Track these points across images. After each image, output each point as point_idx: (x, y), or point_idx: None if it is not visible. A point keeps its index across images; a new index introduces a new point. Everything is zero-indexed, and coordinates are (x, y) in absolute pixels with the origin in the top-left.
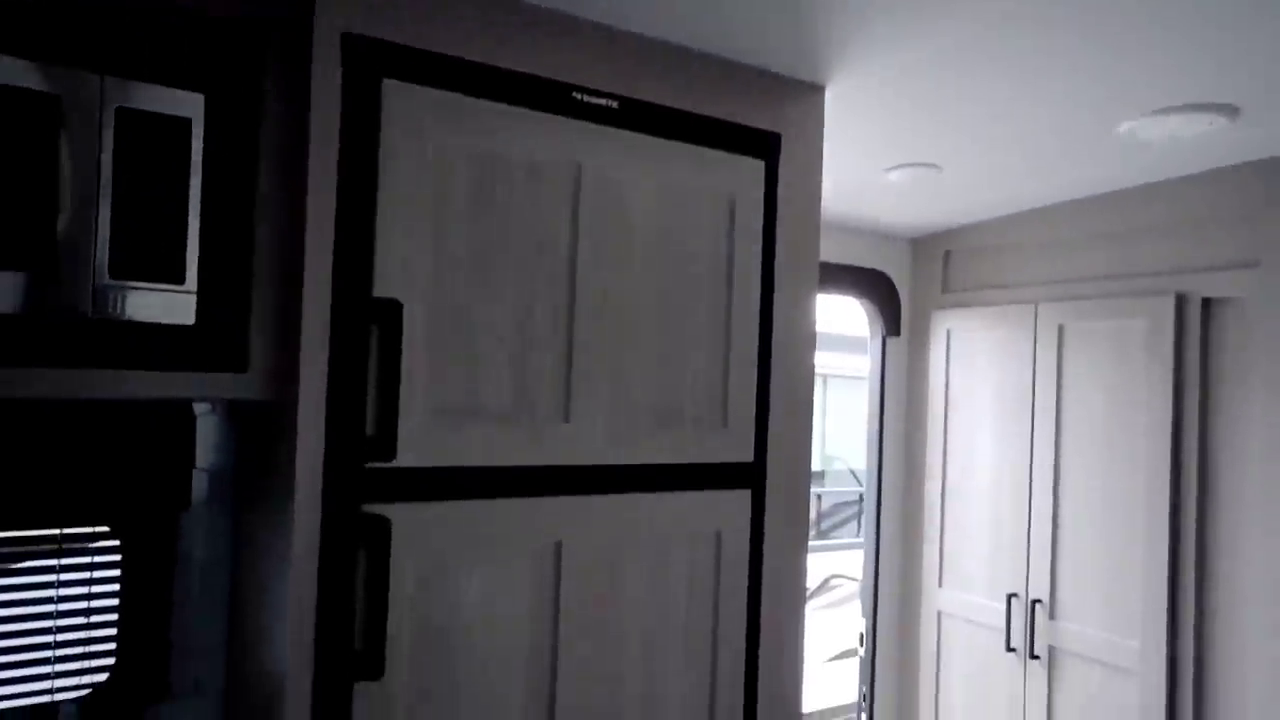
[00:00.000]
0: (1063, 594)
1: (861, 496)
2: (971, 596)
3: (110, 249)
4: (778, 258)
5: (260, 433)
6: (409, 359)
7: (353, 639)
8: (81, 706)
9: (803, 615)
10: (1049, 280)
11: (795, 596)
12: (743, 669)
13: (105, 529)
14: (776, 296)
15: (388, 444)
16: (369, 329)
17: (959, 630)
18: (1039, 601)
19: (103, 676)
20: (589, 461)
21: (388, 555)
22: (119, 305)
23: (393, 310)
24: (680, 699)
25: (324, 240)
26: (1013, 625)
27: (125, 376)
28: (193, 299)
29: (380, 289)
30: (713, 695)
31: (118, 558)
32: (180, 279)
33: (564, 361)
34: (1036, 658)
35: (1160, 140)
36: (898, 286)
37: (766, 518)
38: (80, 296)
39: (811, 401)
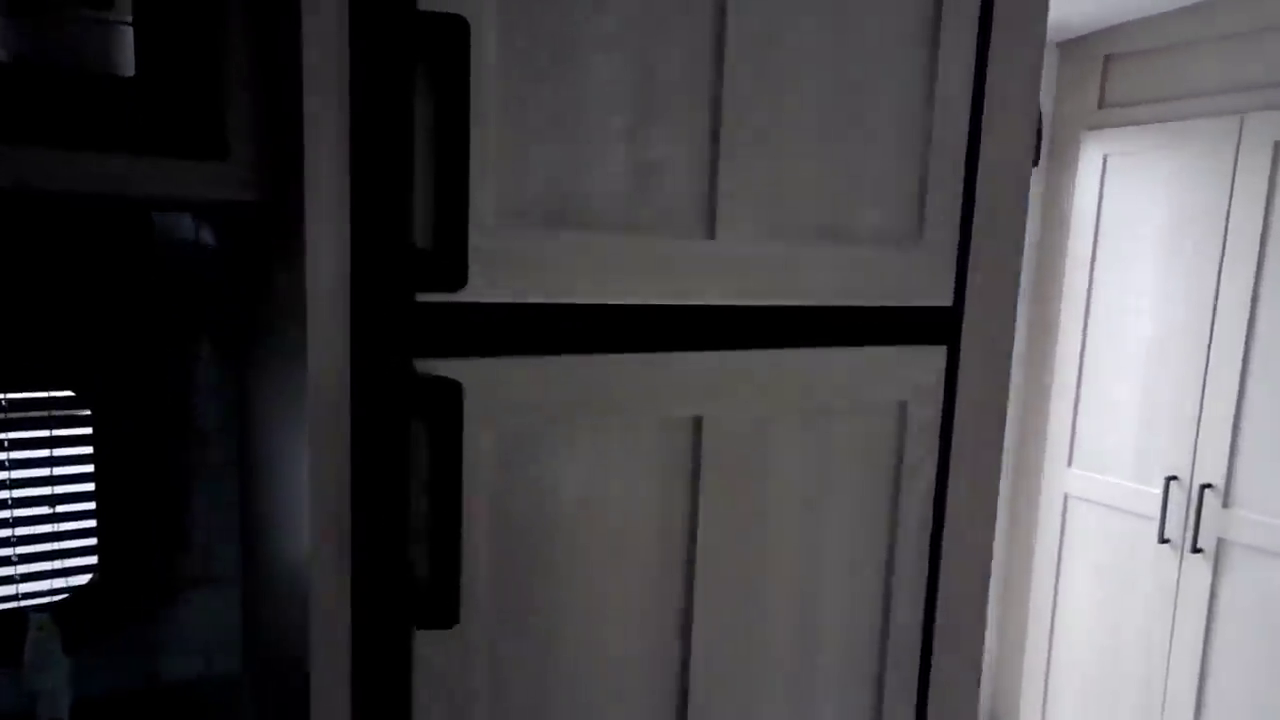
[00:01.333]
0: (1242, 478)
1: None
2: (1111, 478)
3: None
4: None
5: (260, 258)
6: (474, 128)
7: (409, 566)
8: (60, 612)
9: (995, 507)
10: (1262, 83)
11: (990, 485)
12: (925, 573)
13: (70, 394)
14: (991, 59)
15: (453, 262)
16: (414, 69)
17: (1091, 516)
18: (1209, 486)
19: (84, 579)
20: (742, 300)
21: (459, 440)
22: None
23: (455, 33)
24: (848, 615)
25: None
26: (1169, 513)
27: (31, 159)
28: (128, 33)
29: (429, 1)
30: (887, 607)
31: (88, 431)
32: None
33: (708, 142)
34: (1199, 551)
35: None
36: (1040, 102)
37: (960, 383)
38: None
39: (1024, 221)
